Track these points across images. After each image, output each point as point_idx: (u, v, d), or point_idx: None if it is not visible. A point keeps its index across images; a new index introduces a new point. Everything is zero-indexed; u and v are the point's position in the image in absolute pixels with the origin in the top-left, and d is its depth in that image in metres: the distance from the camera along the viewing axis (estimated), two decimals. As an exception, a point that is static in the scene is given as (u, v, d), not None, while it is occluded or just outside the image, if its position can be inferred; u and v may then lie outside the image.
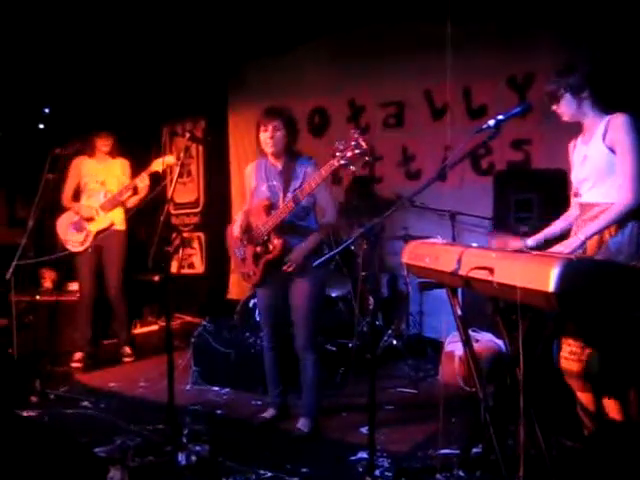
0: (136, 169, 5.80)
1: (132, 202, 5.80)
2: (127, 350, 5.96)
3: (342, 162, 3.41)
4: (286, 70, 7.07)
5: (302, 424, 4.00)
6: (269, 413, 4.24)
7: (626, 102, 3.19)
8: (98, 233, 5.68)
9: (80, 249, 5.70)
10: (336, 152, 3.42)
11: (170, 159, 5.50)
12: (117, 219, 5.77)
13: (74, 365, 5.68)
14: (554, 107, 3.13)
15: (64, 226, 5.75)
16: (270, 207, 3.88)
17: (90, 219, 5.66)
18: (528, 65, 5.57)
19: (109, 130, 5.83)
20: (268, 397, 4.32)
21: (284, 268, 3.82)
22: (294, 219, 3.86)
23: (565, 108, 3.09)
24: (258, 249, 3.94)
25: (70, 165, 5.76)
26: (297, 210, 3.78)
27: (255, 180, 4.08)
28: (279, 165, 3.97)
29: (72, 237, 5.71)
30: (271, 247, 3.87)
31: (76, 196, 5.82)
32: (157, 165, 5.42)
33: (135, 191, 5.72)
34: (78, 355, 5.75)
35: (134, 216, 5.93)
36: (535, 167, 5.63)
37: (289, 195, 3.82)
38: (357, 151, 3.37)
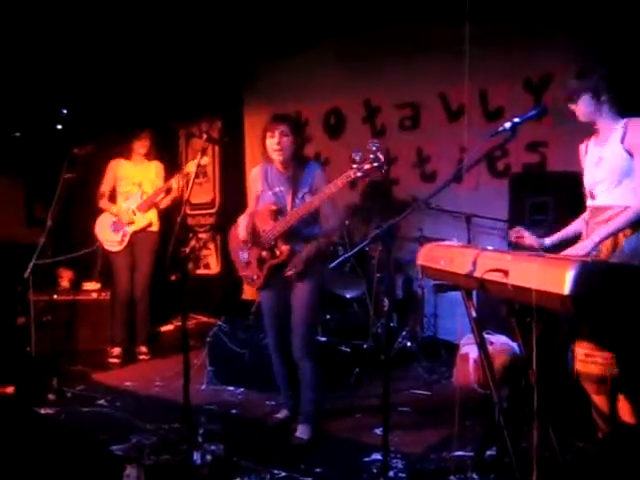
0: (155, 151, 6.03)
1: (165, 203, 5.94)
2: (143, 349, 6.03)
3: (359, 174, 3.43)
4: (301, 71, 7.09)
5: (301, 431, 3.95)
6: (282, 414, 4.26)
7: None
8: (135, 233, 5.86)
9: (118, 249, 5.88)
10: (353, 163, 3.44)
11: (205, 160, 5.64)
12: (153, 220, 5.95)
13: (112, 361, 5.83)
14: (572, 106, 3.13)
15: (103, 226, 5.94)
16: (277, 212, 3.87)
17: (130, 223, 5.84)
18: (544, 67, 5.55)
19: (146, 131, 5.94)
20: (280, 398, 4.35)
21: (284, 272, 3.84)
22: (300, 226, 3.85)
23: (582, 108, 3.09)
24: (264, 254, 3.93)
25: (106, 167, 5.94)
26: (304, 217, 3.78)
27: (261, 185, 4.07)
28: (287, 171, 3.96)
29: (110, 237, 5.89)
30: (278, 253, 3.87)
31: (111, 198, 5.97)
32: (191, 167, 5.44)
33: (168, 192, 5.86)
34: (116, 350, 5.90)
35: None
36: (551, 170, 5.61)
37: (298, 201, 3.84)
38: (375, 164, 3.40)
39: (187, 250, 3.88)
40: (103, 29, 6.18)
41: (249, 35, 6.69)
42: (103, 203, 5.94)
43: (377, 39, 6.50)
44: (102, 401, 4.66)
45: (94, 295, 6.32)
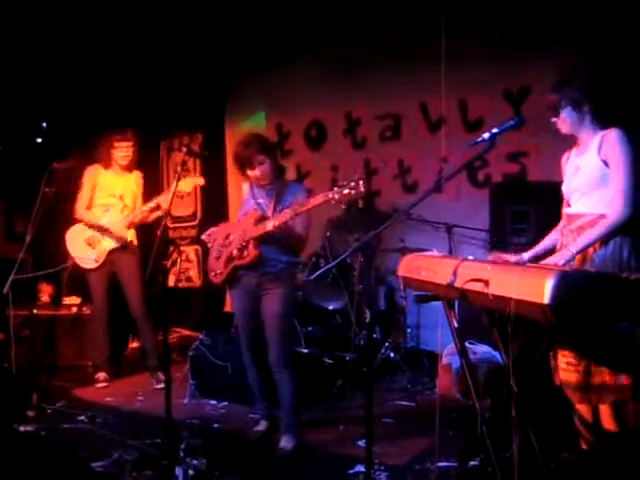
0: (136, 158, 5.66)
1: (152, 218, 5.54)
2: (160, 377, 5.33)
3: (336, 196, 3.50)
4: (283, 84, 7.10)
5: (285, 441, 3.98)
6: (262, 426, 4.27)
7: (624, 117, 3.22)
8: (112, 250, 5.49)
9: (94, 266, 5.48)
10: (334, 186, 3.53)
11: (200, 180, 5.44)
12: (130, 235, 5.58)
13: (99, 386, 5.50)
14: (553, 119, 3.15)
15: (75, 241, 5.56)
16: (260, 219, 3.95)
17: (120, 238, 5.48)
18: (523, 78, 5.60)
19: (128, 138, 5.53)
20: (257, 409, 4.38)
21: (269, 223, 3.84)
22: (273, 245, 3.95)
23: (565, 121, 3.11)
24: (234, 252, 4.01)
25: (83, 174, 5.55)
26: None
27: (247, 195, 4.23)
28: (269, 186, 4.09)
29: (85, 253, 5.50)
30: (245, 254, 3.96)
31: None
32: (185, 185, 5.21)
33: (157, 208, 5.45)
34: (102, 376, 5.58)
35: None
36: (531, 179, 5.65)
37: (277, 214, 3.91)
38: (352, 192, 3.47)
39: (168, 263, 3.88)
40: (84, 42, 6.16)
41: (231, 48, 6.70)
42: (85, 215, 5.51)
43: (358, 52, 6.52)
44: (83, 417, 4.60)
45: (74, 310, 6.25)
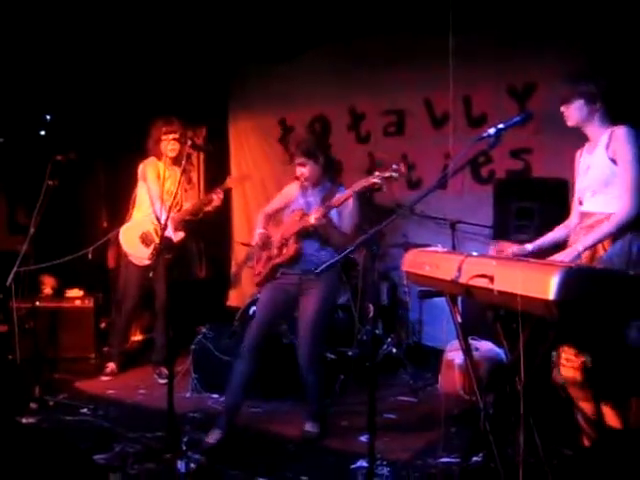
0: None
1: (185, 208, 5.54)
2: (164, 371, 5.32)
3: (377, 180, 3.59)
4: (287, 78, 7.08)
5: (310, 426, 4.10)
6: (214, 437, 3.94)
7: (633, 114, 3.21)
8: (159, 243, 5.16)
9: (148, 263, 5.25)
10: (376, 171, 3.62)
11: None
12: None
13: (105, 378, 5.50)
14: (563, 108, 3.14)
15: (130, 239, 5.48)
16: (303, 217, 4.02)
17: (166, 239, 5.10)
18: (528, 75, 5.58)
19: (174, 128, 5.39)
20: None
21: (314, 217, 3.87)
22: (314, 241, 4.04)
23: (574, 113, 3.10)
24: (274, 252, 4.12)
25: (138, 169, 5.47)
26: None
27: (296, 193, 4.24)
28: (318, 186, 4.16)
29: (140, 252, 5.40)
30: (285, 250, 4.04)
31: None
32: (232, 182, 5.29)
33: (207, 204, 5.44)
34: (111, 366, 5.59)
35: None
36: (535, 176, 5.63)
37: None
38: (394, 174, 3.56)
39: (171, 257, 3.88)
40: (87, 35, 6.14)
41: (235, 42, 6.67)
42: (136, 210, 5.49)
43: (363, 47, 6.50)
44: (85, 410, 4.61)
45: (77, 302, 6.24)
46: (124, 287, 5.61)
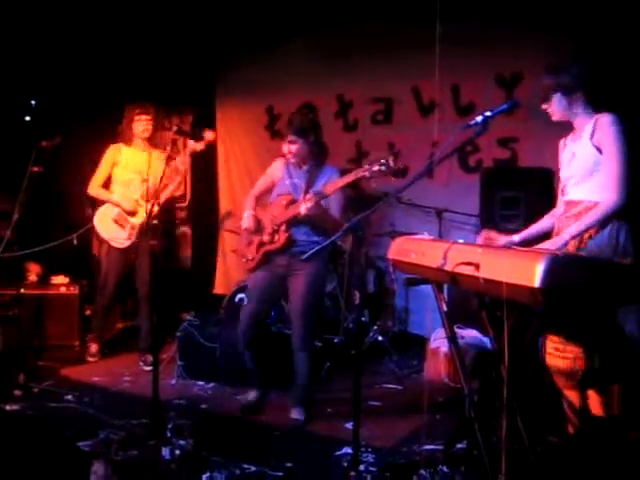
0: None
1: (165, 195, 5.46)
2: (149, 358, 5.32)
3: (366, 173, 3.58)
4: (274, 65, 7.04)
5: (296, 413, 4.12)
6: (251, 396, 4.38)
7: (617, 102, 3.21)
8: (142, 226, 5.37)
9: (126, 245, 5.44)
10: (366, 164, 3.62)
11: (210, 135, 5.21)
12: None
13: (91, 359, 5.59)
14: (544, 106, 3.13)
15: (105, 223, 5.49)
16: (291, 202, 4.03)
17: (133, 212, 5.42)
18: (516, 63, 5.57)
19: (146, 111, 5.47)
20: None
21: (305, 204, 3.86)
22: (306, 226, 4.04)
23: (556, 107, 3.10)
24: (265, 238, 4.12)
25: (104, 152, 5.53)
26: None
27: (281, 173, 4.24)
28: (304, 167, 4.16)
29: (116, 233, 5.45)
30: (276, 238, 4.05)
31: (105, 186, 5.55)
32: (197, 145, 5.16)
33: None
34: (94, 347, 5.65)
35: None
36: (522, 165, 5.64)
37: (310, 192, 3.97)
38: (383, 168, 3.53)
39: (156, 243, 3.86)
40: (73, 21, 6.08)
41: (222, 29, 6.63)
42: (97, 191, 5.50)
43: (350, 34, 6.47)
44: (70, 397, 4.58)
45: (62, 289, 6.19)
46: (105, 272, 5.59)
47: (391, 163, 3.50)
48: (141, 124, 5.45)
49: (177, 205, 8.22)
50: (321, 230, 4.03)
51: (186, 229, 8.17)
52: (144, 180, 5.26)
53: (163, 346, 5.59)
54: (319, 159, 4.18)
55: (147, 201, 5.08)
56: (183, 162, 5.40)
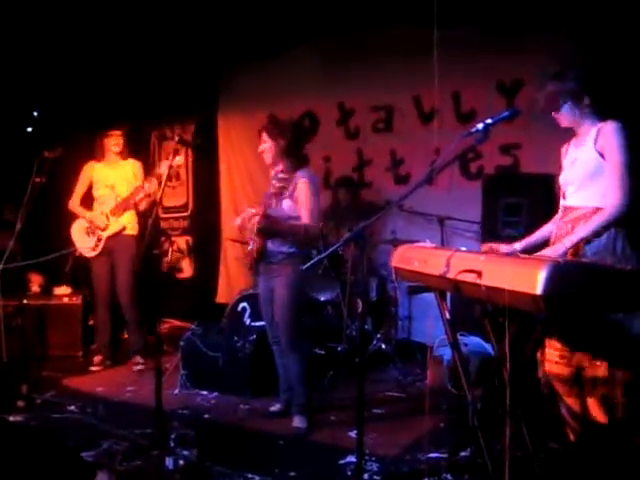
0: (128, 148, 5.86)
1: (144, 205, 5.67)
2: (138, 359, 5.71)
3: None
4: (276, 74, 7.06)
5: (297, 421, 4.12)
6: (276, 407, 4.40)
7: (623, 109, 3.21)
8: (109, 238, 5.65)
9: (93, 254, 5.71)
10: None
11: (180, 160, 5.37)
12: (129, 224, 5.72)
13: (94, 369, 5.67)
14: (554, 114, 3.13)
15: (78, 231, 5.78)
16: (264, 212, 4.01)
17: (104, 228, 5.66)
18: (517, 70, 5.59)
19: (118, 128, 5.76)
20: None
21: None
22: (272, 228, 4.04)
23: (565, 115, 3.10)
24: (249, 246, 4.21)
25: (80, 170, 5.82)
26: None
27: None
28: (280, 171, 4.15)
29: (85, 242, 5.73)
30: (254, 247, 4.12)
31: (87, 202, 5.83)
32: (163, 167, 5.27)
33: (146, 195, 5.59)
34: (97, 359, 5.75)
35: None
36: (524, 171, 5.64)
37: (275, 204, 4.09)
38: None
39: (158, 252, 3.87)
40: (75, 31, 6.11)
41: (223, 38, 6.66)
42: (75, 208, 5.80)
43: (351, 42, 6.50)
44: (73, 407, 4.58)
45: (65, 300, 6.22)
46: (96, 282, 5.81)
47: None
48: (112, 139, 5.72)
49: (179, 215, 8.24)
50: (290, 239, 4.04)
51: (188, 238, 8.18)
52: (117, 195, 5.65)
53: (144, 345, 5.76)
54: (293, 164, 4.12)
55: (114, 214, 5.61)
56: (151, 184, 5.48)
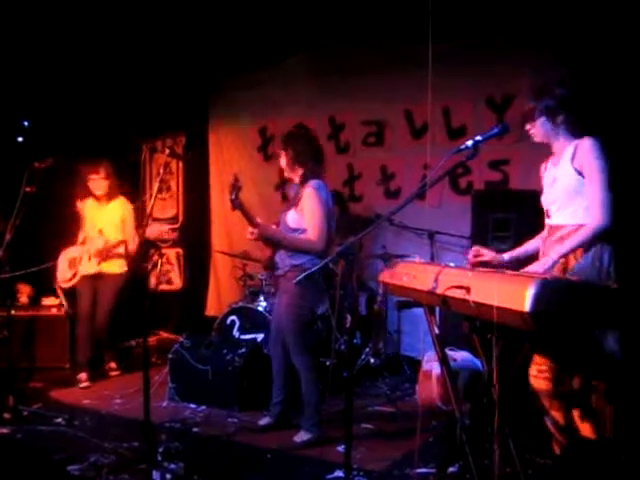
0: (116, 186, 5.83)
1: (132, 246, 5.75)
2: (113, 365, 5.96)
3: None
4: (266, 87, 7.10)
5: (297, 436, 4.10)
6: (264, 421, 4.36)
7: (599, 127, 3.24)
8: (84, 277, 5.69)
9: (65, 286, 5.84)
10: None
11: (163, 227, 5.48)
12: (113, 266, 5.74)
13: (82, 386, 5.55)
14: (528, 127, 3.17)
15: (63, 261, 5.83)
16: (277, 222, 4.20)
17: (83, 266, 5.70)
18: (507, 86, 5.63)
19: (100, 166, 5.70)
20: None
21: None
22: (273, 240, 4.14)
23: (539, 129, 3.14)
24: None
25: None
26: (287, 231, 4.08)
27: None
28: (295, 184, 4.24)
29: (64, 273, 5.80)
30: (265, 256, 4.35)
31: None
32: (152, 233, 5.32)
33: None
34: (83, 376, 5.62)
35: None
36: (513, 187, 5.67)
37: (283, 217, 4.16)
38: None
39: (149, 266, 3.86)
40: (68, 42, 6.11)
41: (214, 51, 6.69)
42: (80, 237, 5.89)
43: (343, 56, 6.54)
44: (60, 420, 4.55)
45: (53, 311, 6.19)
46: (78, 299, 5.81)
47: None
48: (94, 183, 5.71)
49: (169, 226, 8.21)
50: (291, 252, 4.08)
51: (178, 250, 8.16)
52: (105, 239, 5.69)
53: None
54: (305, 174, 4.11)
55: (97, 257, 5.67)
56: (134, 242, 5.67)
